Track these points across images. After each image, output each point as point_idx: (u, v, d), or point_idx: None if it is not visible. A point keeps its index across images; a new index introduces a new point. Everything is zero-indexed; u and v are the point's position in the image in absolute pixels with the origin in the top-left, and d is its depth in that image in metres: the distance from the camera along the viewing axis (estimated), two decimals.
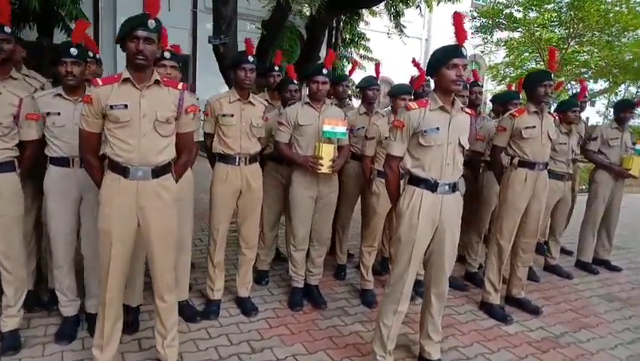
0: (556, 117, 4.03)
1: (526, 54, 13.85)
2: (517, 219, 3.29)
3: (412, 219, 2.28)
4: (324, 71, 3.02)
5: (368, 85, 3.64)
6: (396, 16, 13.51)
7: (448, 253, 2.38)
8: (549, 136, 3.26)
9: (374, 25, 14.55)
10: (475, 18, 12.45)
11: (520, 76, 15.71)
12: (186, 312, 2.93)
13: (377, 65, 3.94)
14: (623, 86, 14.61)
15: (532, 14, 11.72)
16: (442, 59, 2.19)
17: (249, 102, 2.91)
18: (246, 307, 3.10)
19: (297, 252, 3.25)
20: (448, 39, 2.31)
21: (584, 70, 12.46)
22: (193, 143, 2.44)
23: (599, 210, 4.49)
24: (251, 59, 2.80)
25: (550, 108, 4.99)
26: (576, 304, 3.67)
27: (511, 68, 15.52)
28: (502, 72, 15.44)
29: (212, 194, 2.95)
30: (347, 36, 13.92)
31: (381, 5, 11.24)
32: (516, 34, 12.80)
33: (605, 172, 4.45)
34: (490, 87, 18.14)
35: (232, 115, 2.85)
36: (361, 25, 14.69)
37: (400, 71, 4.26)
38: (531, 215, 3.33)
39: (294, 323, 3.00)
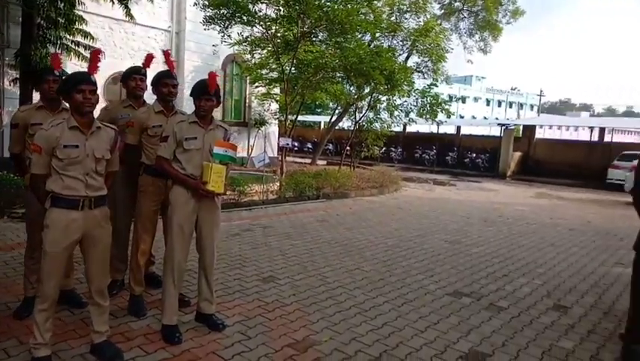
0: None
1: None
2: None
3: None
4: None
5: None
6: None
7: None
8: None
9: (109, 11, 11.97)
10: (206, 7, 10.91)
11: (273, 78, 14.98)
12: None
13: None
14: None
15: (263, 7, 10.73)
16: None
17: None
18: None
19: None
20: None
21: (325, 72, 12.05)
22: None
23: (176, 246, 2.99)
24: None
25: None
26: None
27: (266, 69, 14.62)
28: (256, 73, 14.43)
29: None
30: (53, 16, 10.98)
31: None
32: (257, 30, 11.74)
33: (181, 188, 2.98)
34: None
35: None
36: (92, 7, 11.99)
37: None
38: None
39: None
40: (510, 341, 3.33)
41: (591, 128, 21.13)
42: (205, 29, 11.30)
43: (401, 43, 15.56)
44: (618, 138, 21.90)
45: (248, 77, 15.64)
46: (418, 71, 15.63)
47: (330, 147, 24.00)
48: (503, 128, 19.96)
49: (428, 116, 14.33)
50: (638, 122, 32.78)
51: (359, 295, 4.09)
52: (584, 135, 25.69)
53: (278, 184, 10.00)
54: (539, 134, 23.36)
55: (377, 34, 14.38)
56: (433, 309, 3.86)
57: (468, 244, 6.34)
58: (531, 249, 6.24)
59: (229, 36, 11.49)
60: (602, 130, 20.01)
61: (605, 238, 7.33)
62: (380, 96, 13.61)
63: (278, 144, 13.59)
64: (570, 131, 44.39)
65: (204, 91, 2.95)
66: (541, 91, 55.72)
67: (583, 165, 18.41)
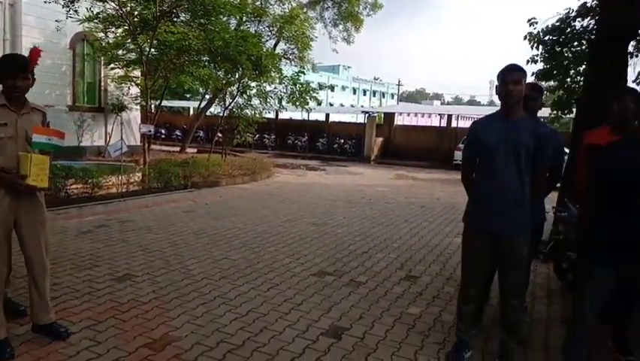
0: None
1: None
2: None
3: None
4: None
5: None
6: None
7: None
8: None
9: None
10: None
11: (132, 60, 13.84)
12: None
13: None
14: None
15: None
16: None
17: None
18: None
19: None
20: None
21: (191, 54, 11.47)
22: None
23: None
24: None
25: None
26: None
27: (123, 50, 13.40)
28: (112, 53, 13.15)
29: None
30: None
31: None
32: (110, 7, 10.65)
33: None
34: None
35: None
36: None
37: None
38: None
39: None
40: (367, 313, 3.57)
41: (441, 115, 23.61)
42: (46, 2, 9.93)
43: (268, 29, 15.52)
44: (463, 124, 24.84)
45: (102, 58, 14.20)
46: (286, 58, 15.77)
47: (202, 133, 23.13)
48: (367, 115, 21.27)
49: (299, 103, 14.59)
50: (479, 109, 37.63)
51: (225, 285, 4.01)
52: (435, 122, 28.65)
53: (140, 175, 9.31)
54: (399, 121, 25.42)
55: (244, 19, 14.13)
56: (298, 290, 3.96)
57: (333, 225, 6.64)
58: (388, 226, 6.77)
59: (76, 11, 10.28)
60: (450, 117, 22.49)
61: (450, 212, 8.27)
62: (250, 82, 13.44)
63: (140, 130, 12.64)
64: (425, 118, 49.12)
65: (21, 68, 2.55)
66: (399, 81, 60.50)
67: (435, 148, 20.52)
